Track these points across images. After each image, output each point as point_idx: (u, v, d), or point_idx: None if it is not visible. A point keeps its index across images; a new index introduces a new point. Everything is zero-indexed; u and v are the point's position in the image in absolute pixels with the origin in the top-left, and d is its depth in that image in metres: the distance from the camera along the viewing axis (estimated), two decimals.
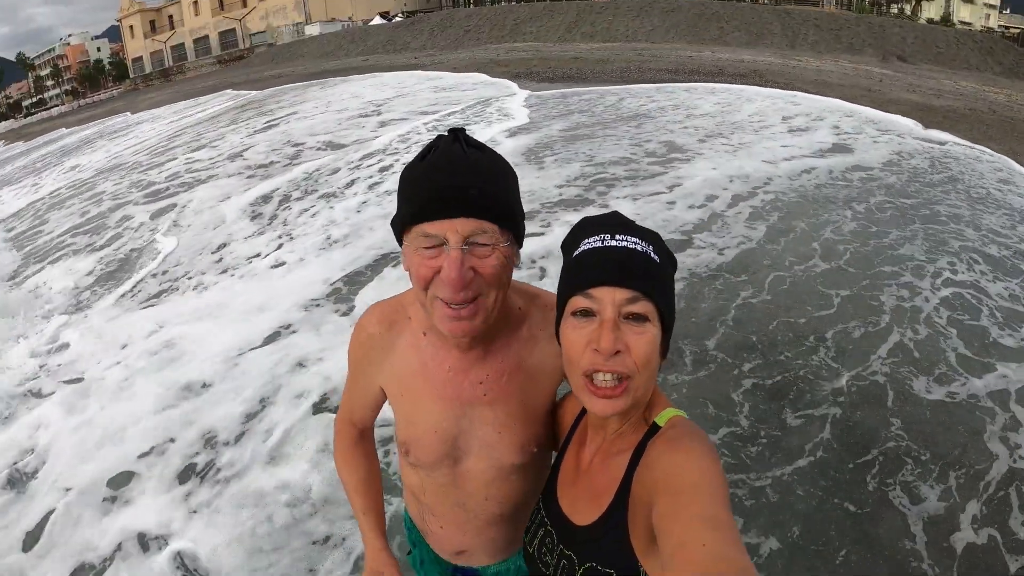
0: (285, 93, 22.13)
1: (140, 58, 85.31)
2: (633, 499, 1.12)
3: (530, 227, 5.95)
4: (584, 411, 1.34)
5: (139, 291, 7.17)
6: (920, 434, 3.87)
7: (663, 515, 0.99)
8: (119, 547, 3.44)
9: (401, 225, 1.27)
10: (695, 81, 16.72)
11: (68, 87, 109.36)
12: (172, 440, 4.27)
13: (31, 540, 3.59)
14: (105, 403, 4.77)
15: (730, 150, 10.09)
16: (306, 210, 9.09)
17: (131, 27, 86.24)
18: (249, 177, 11.35)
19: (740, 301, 5.47)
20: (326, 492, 3.62)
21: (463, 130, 1.27)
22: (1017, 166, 9.60)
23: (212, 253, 8.03)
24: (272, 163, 12.27)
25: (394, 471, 3.54)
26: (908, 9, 58.14)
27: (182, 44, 78.57)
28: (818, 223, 7.09)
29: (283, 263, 7.24)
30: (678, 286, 5.04)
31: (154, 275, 7.60)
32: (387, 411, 1.60)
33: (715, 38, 35.61)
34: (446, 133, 1.26)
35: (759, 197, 7.91)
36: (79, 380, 5.23)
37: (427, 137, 11.01)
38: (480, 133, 11.79)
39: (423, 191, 1.21)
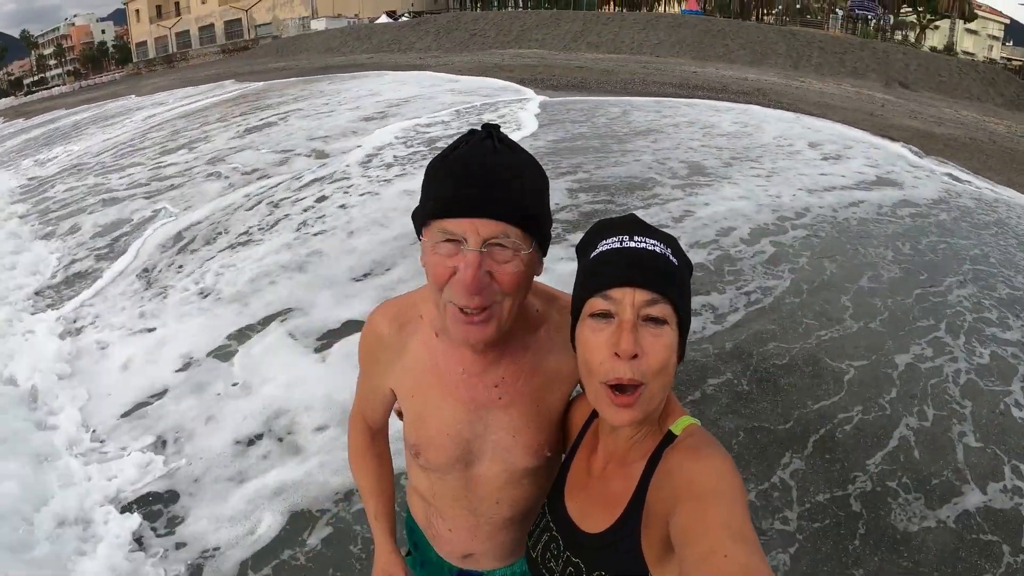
0: (290, 87, 21.80)
1: (144, 43, 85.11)
2: (648, 508, 1.11)
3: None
4: (593, 415, 1.33)
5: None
6: None
7: (684, 524, 0.98)
8: None
9: (421, 219, 1.22)
10: (699, 97, 16.77)
11: (70, 67, 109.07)
12: None
13: None
14: None
15: (762, 174, 9.21)
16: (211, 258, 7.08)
17: (137, 11, 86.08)
18: (186, 208, 9.25)
19: (726, 377, 4.56)
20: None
21: (497, 127, 1.22)
22: None
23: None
24: (233, 178, 10.53)
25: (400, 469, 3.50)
26: (912, 37, 58.57)
27: (187, 31, 78.41)
28: (855, 266, 6.35)
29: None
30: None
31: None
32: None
33: (720, 55, 35.77)
34: (479, 129, 1.22)
35: (790, 234, 7.06)
36: None
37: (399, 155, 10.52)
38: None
39: (446, 186, 1.17)
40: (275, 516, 3.43)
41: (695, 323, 4.90)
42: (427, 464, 1.45)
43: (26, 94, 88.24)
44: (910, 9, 59.54)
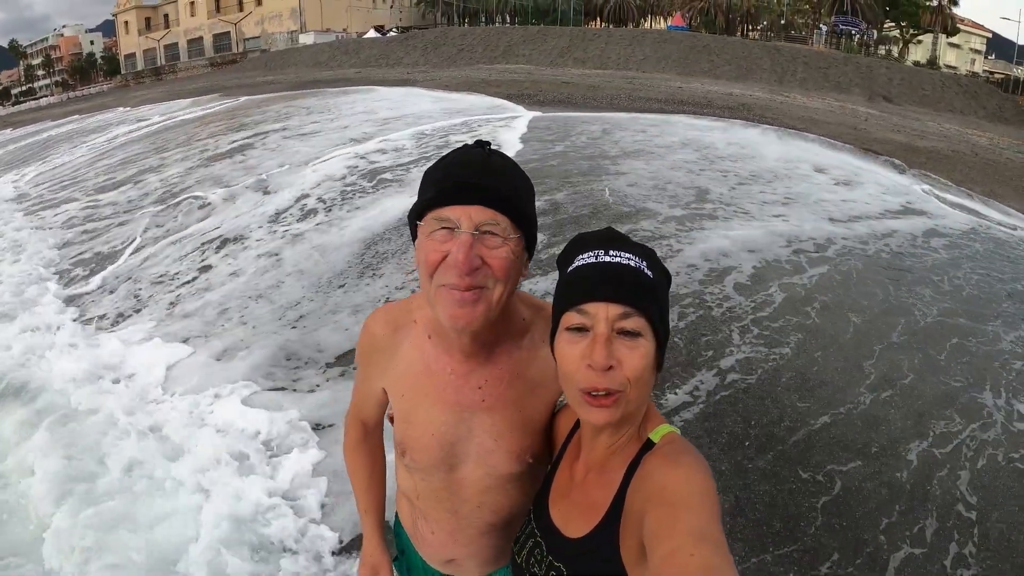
0: (271, 103, 21.43)
1: (133, 54, 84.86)
2: (626, 513, 1.13)
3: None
4: (577, 425, 1.36)
5: None
6: None
7: (654, 527, 1.01)
8: None
9: (418, 211, 1.30)
10: (685, 113, 16.89)
11: (59, 78, 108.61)
12: None
13: None
14: None
15: (777, 201, 8.28)
16: None
17: (126, 23, 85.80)
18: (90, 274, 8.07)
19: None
20: None
21: (488, 143, 1.32)
22: None
23: None
24: (152, 229, 9.21)
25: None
26: (895, 51, 59.20)
27: (176, 44, 78.28)
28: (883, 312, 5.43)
29: None
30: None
31: None
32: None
33: (705, 71, 36.03)
34: (471, 143, 1.32)
35: (807, 273, 6.05)
36: None
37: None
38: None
39: (442, 180, 1.27)
40: None
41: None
42: (412, 464, 1.50)
43: (13, 104, 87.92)
44: (893, 24, 60.21)
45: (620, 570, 1.12)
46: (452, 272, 1.24)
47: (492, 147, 1.32)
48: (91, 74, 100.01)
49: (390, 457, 1.68)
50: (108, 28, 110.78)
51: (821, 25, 57.80)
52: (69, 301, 7.22)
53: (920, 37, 61.82)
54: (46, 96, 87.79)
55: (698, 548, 0.93)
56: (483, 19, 65.86)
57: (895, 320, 5.33)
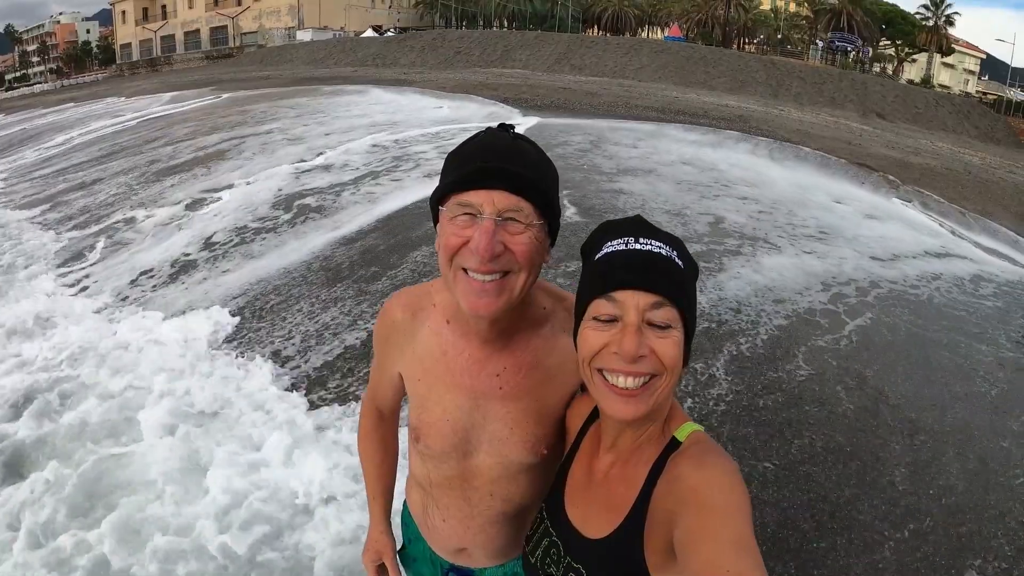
0: (258, 102, 21.15)
1: (129, 44, 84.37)
2: (652, 514, 1.10)
3: None
4: (592, 418, 1.33)
5: None
6: None
7: (689, 533, 0.98)
8: None
9: (440, 195, 1.27)
10: (681, 123, 16.93)
11: (53, 65, 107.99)
12: None
13: None
14: None
15: (812, 236, 7.28)
16: None
17: (123, 12, 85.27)
18: None
19: None
20: None
21: (512, 126, 1.30)
22: None
23: None
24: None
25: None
26: (890, 69, 59.64)
27: (172, 36, 77.90)
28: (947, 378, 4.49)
29: None
30: None
31: None
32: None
33: (701, 82, 36.17)
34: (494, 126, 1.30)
35: (848, 327, 5.05)
36: None
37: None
38: None
39: (465, 164, 1.24)
40: None
41: None
42: (426, 451, 1.49)
43: (7, 90, 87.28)
44: (889, 42, 60.69)
45: (643, 573, 1.09)
46: (473, 258, 1.23)
47: (515, 131, 1.29)
48: (86, 63, 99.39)
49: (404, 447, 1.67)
50: (105, 17, 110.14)
51: (817, 41, 58.28)
52: None
53: (915, 56, 62.39)
54: (40, 83, 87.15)
55: (736, 560, 0.91)
56: (481, 23, 65.95)
57: (966, 387, 4.27)
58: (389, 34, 56.55)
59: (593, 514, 1.21)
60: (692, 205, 8.19)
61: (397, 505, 1.81)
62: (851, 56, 55.51)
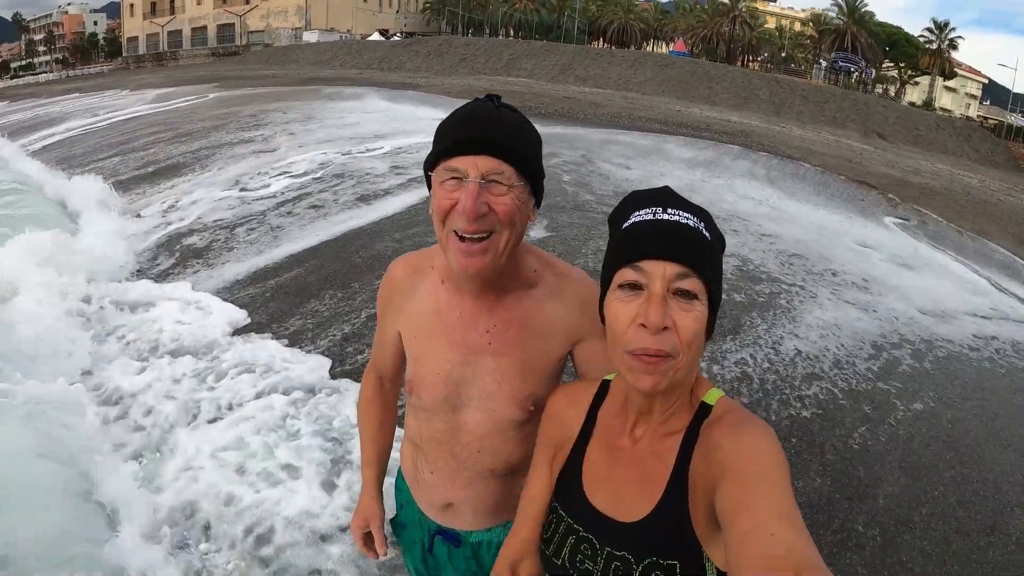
0: (250, 103, 20.66)
1: (136, 38, 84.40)
2: (693, 484, 1.10)
3: None
4: (595, 404, 1.32)
5: None
6: None
7: (731, 500, 0.98)
8: None
9: (431, 162, 1.38)
10: (683, 135, 17.00)
11: (59, 55, 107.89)
12: None
13: None
14: None
15: (854, 285, 6.59)
16: None
17: (131, 5, 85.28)
18: None
19: None
20: None
21: (499, 96, 1.40)
22: None
23: None
24: None
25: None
26: (892, 91, 59.93)
27: (179, 31, 78.01)
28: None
29: None
30: None
31: None
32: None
33: (704, 97, 36.28)
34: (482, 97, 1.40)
35: (900, 412, 4.37)
36: None
37: None
38: None
39: (452, 132, 1.34)
40: None
41: None
42: (419, 402, 1.57)
43: (12, 78, 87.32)
44: (892, 64, 61.03)
45: (694, 544, 1.08)
46: (461, 218, 1.32)
47: (501, 101, 1.39)
48: (92, 54, 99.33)
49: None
50: (113, 10, 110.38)
51: (821, 60, 58.56)
52: None
53: (918, 79, 62.70)
54: (45, 72, 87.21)
55: (780, 526, 0.91)
56: (487, 31, 66.17)
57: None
58: (395, 38, 56.66)
59: (626, 496, 1.19)
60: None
61: (392, 479, 1.82)
62: (854, 77, 55.78)
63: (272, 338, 5.29)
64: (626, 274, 1.11)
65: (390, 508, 1.81)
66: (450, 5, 69.03)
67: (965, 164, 30.11)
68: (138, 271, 7.04)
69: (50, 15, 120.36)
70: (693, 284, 1.08)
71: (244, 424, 4.12)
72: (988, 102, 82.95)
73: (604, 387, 1.33)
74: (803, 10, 72.44)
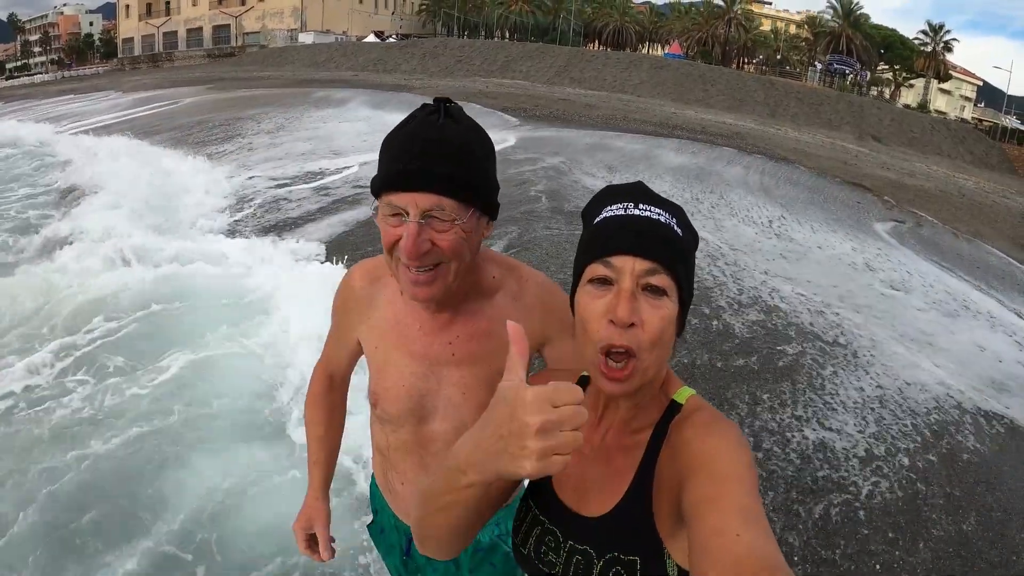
0: (226, 109, 20.40)
1: (131, 39, 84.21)
2: (659, 481, 1.09)
3: None
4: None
5: None
6: None
7: (698, 499, 0.97)
8: None
9: (375, 191, 1.33)
10: (678, 137, 16.98)
11: (54, 56, 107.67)
12: None
13: None
14: None
15: (907, 340, 5.66)
16: None
17: (127, 6, 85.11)
18: None
19: None
20: None
21: (449, 100, 1.32)
22: None
23: None
24: None
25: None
26: (887, 93, 60.04)
27: (175, 32, 77.85)
28: None
29: None
30: None
31: None
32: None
33: (699, 99, 36.37)
34: (432, 101, 1.32)
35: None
36: None
37: None
38: None
39: (392, 162, 1.28)
40: None
41: None
42: (383, 415, 1.54)
43: (7, 78, 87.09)
44: (887, 66, 61.11)
45: (656, 540, 1.08)
46: (405, 257, 1.29)
47: (450, 106, 1.31)
48: (87, 55, 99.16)
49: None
50: (109, 11, 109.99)
51: (816, 63, 58.62)
52: None
53: (912, 81, 62.78)
54: (40, 73, 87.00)
55: (746, 527, 0.90)
56: (483, 33, 66.16)
57: None
58: (391, 40, 56.68)
59: (591, 491, 1.19)
60: (726, 282, 6.06)
61: (363, 483, 1.77)
62: (849, 79, 55.85)
63: None
64: (596, 269, 1.09)
65: (357, 509, 1.77)
66: (446, 7, 69.04)
67: (960, 166, 30.21)
68: None
69: (46, 16, 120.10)
70: (662, 280, 1.07)
71: None
72: (983, 104, 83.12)
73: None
74: (798, 12, 72.49)
